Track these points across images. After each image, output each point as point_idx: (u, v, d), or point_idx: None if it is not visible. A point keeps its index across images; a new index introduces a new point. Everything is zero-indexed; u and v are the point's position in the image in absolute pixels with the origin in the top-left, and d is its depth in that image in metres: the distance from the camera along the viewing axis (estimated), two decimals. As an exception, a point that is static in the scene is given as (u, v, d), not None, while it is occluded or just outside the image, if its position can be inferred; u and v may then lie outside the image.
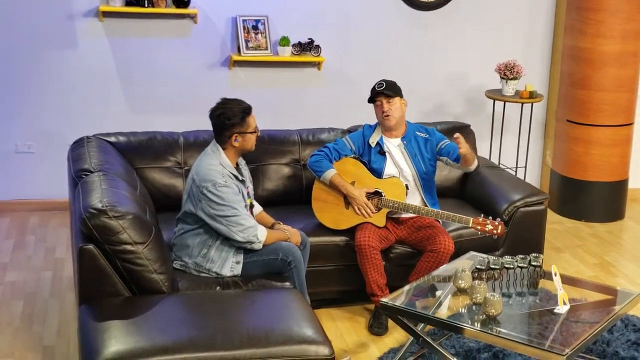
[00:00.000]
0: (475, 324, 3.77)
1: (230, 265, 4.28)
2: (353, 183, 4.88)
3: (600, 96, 6.45)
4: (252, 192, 4.51)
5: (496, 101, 6.61)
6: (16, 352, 4.37)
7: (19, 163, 6.33)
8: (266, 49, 6.35)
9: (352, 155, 4.98)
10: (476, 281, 3.94)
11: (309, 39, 6.42)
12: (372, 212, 4.79)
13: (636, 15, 6.33)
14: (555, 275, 3.93)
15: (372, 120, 5.02)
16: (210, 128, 4.36)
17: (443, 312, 3.99)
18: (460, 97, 6.92)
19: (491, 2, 6.78)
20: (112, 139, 5.01)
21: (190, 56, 6.36)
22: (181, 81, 6.39)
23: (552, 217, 6.48)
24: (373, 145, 4.92)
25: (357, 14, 6.58)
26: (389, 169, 4.89)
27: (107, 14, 6.13)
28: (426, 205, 4.87)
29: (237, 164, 4.39)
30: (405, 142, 4.93)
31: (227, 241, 4.27)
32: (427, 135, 4.97)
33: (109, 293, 3.75)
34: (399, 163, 4.90)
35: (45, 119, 6.28)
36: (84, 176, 4.28)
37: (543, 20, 6.93)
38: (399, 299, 4.02)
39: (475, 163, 4.98)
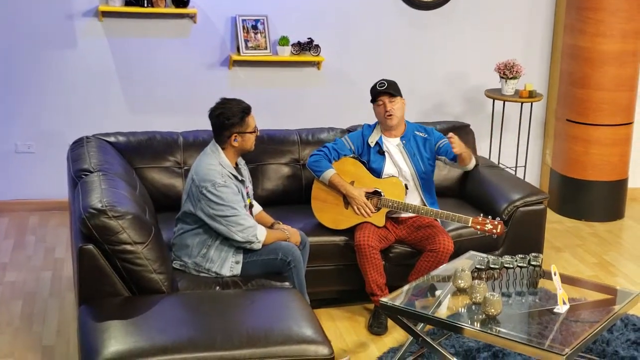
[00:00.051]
0: (475, 323, 3.77)
1: (229, 265, 4.28)
2: (352, 183, 4.88)
3: (599, 95, 6.45)
4: (251, 192, 4.51)
5: (496, 100, 6.61)
6: (16, 352, 4.37)
7: (18, 163, 6.33)
8: (265, 48, 6.35)
9: (352, 155, 4.98)
10: (476, 281, 3.94)
11: (308, 38, 6.42)
12: (372, 212, 4.79)
13: (636, 15, 6.33)
14: (555, 274, 3.93)
15: (372, 120, 5.03)
16: (210, 128, 4.36)
17: (442, 312, 3.99)
18: (460, 97, 6.92)
19: (491, 1, 6.78)
20: (112, 139, 5.01)
21: (190, 56, 6.36)
22: (181, 81, 6.39)
23: (551, 216, 6.48)
24: (372, 145, 4.92)
25: (357, 14, 6.58)
26: (388, 168, 4.89)
27: (106, 14, 6.13)
28: (425, 205, 4.87)
29: (236, 164, 4.39)
30: (404, 141, 4.93)
31: (227, 241, 4.27)
32: (426, 135, 4.97)
33: (109, 293, 3.75)
34: (398, 163, 4.90)
35: (45, 119, 6.28)
36: (83, 176, 4.28)
37: (543, 19, 6.93)
38: (398, 298, 4.02)
39: (473, 162, 4.97)
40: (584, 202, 6.65)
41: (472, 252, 4.54)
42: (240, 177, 4.35)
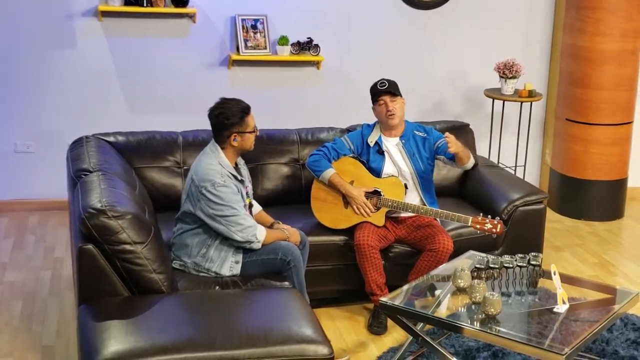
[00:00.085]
0: (475, 323, 3.77)
1: (229, 264, 4.28)
2: (352, 182, 4.88)
3: (599, 95, 6.45)
4: (251, 192, 4.51)
5: (495, 100, 6.61)
6: (15, 352, 4.37)
7: (18, 163, 6.33)
8: (265, 48, 6.35)
9: (351, 155, 4.98)
10: (475, 280, 3.94)
11: (307, 38, 6.42)
12: (371, 212, 4.79)
13: (635, 14, 6.33)
14: (555, 274, 3.93)
15: (371, 119, 5.02)
16: (209, 128, 4.36)
17: (442, 312, 3.99)
18: (460, 96, 6.92)
19: (490, 1, 6.78)
20: (111, 139, 5.01)
21: (189, 56, 6.36)
22: (180, 81, 6.39)
23: (551, 216, 6.48)
24: (372, 144, 4.92)
25: (356, 13, 6.58)
26: (388, 168, 4.89)
27: (106, 14, 6.13)
28: (425, 204, 4.87)
29: (236, 164, 4.39)
30: (403, 141, 4.93)
31: (226, 241, 4.27)
32: (425, 135, 4.97)
33: (108, 293, 3.75)
34: (397, 162, 4.90)
35: (45, 119, 6.28)
36: (83, 176, 4.28)
37: (542, 18, 6.93)
38: (398, 298, 4.02)
39: (472, 161, 4.97)
40: (584, 202, 6.65)
41: (471, 252, 4.54)
42: (239, 177, 4.35)
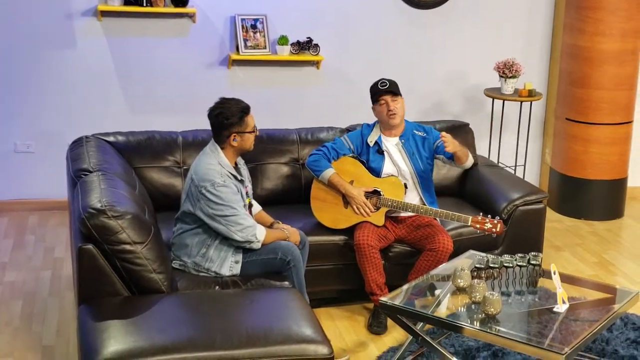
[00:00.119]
0: (475, 322, 3.77)
1: (229, 264, 4.28)
2: (352, 182, 4.88)
3: (599, 94, 6.45)
4: (250, 192, 4.51)
5: (495, 100, 6.61)
6: (15, 351, 4.37)
7: (18, 163, 6.33)
8: (265, 48, 6.35)
9: (351, 155, 4.98)
10: (475, 280, 3.94)
11: (307, 37, 6.42)
12: (371, 211, 4.79)
13: (635, 14, 6.33)
14: (555, 273, 3.93)
15: (371, 119, 5.02)
16: (209, 127, 4.36)
17: (442, 311, 3.99)
18: (459, 96, 6.92)
19: (490, 0, 6.77)
20: (111, 139, 5.01)
21: (189, 55, 6.36)
22: (180, 80, 6.39)
23: (551, 215, 6.48)
24: (371, 144, 4.92)
25: (356, 13, 6.58)
26: (388, 168, 4.89)
27: (105, 14, 6.13)
28: (425, 204, 4.87)
29: (235, 164, 4.39)
30: (403, 140, 4.93)
31: (226, 241, 4.27)
32: (424, 134, 4.97)
33: (108, 293, 3.75)
34: (397, 162, 4.90)
35: (45, 119, 6.28)
36: (82, 176, 4.28)
37: (542, 18, 6.93)
38: (398, 298, 4.02)
39: (470, 160, 4.97)
40: (584, 201, 6.65)
41: (471, 251, 4.54)
42: (239, 177, 4.35)
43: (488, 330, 3.70)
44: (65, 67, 6.21)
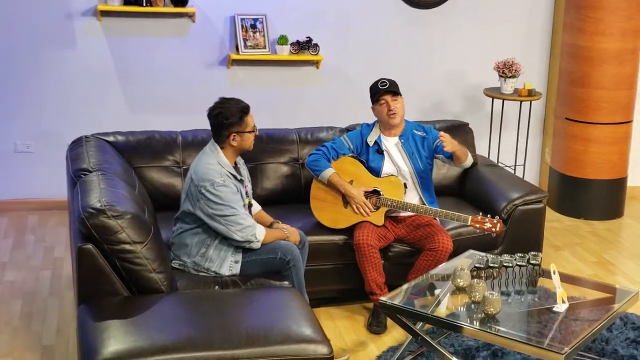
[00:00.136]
0: (474, 322, 3.77)
1: (228, 264, 4.28)
2: (351, 182, 4.88)
3: (599, 94, 6.45)
4: (250, 191, 4.51)
5: (495, 99, 6.61)
6: (15, 351, 4.37)
7: (17, 162, 6.33)
8: (264, 47, 6.35)
9: (350, 154, 4.98)
10: (475, 280, 3.94)
11: (307, 37, 6.42)
12: (371, 211, 4.79)
13: (635, 13, 6.33)
14: (554, 273, 3.93)
15: (371, 119, 5.02)
16: (209, 127, 4.36)
17: (442, 311, 3.99)
18: (459, 96, 6.92)
19: (490, 0, 6.78)
20: (111, 139, 5.01)
21: (189, 55, 6.36)
22: (179, 80, 6.39)
23: (551, 215, 6.48)
24: (371, 144, 4.92)
25: (355, 13, 6.58)
26: (387, 167, 4.89)
27: (105, 13, 6.13)
28: (424, 204, 4.87)
29: (235, 163, 4.39)
30: (402, 140, 4.93)
31: (226, 240, 4.27)
32: (424, 134, 4.97)
33: (108, 292, 3.75)
34: (396, 161, 4.90)
35: (44, 119, 6.28)
36: (82, 176, 4.28)
37: (542, 18, 6.93)
38: (397, 297, 4.02)
39: (470, 159, 4.97)
40: (583, 201, 6.65)
41: (471, 251, 4.54)
42: (239, 177, 4.35)
43: (488, 330, 3.70)
44: (65, 67, 6.21)
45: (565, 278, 4.17)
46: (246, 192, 4.42)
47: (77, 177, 4.31)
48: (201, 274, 4.27)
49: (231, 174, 4.29)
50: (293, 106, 6.60)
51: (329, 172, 4.86)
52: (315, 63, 6.54)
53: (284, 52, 6.37)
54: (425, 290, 4.26)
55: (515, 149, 6.77)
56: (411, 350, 4.31)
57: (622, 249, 6.12)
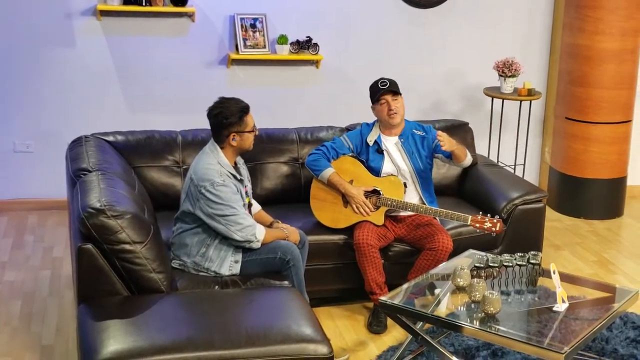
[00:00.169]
0: (474, 322, 3.77)
1: (228, 264, 4.28)
2: (351, 182, 4.88)
3: (598, 93, 6.45)
4: (250, 191, 4.51)
5: (494, 99, 6.61)
6: (14, 351, 4.37)
7: (17, 162, 6.33)
8: (264, 47, 6.35)
9: (350, 154, 4.98)
10: (475, 279, 3.94)
11: (307, 37, 6.41)
12: (371, 211, 4.79)
13: (635, 13, 6.33)
14: (554, 273, 3.93)
15: (370, 118, 5.02)
16: (209, 127, 4.35)
17: (442, 311, 3.99)
18: (459, 95, 6.92)
19: (489, -1, 6.79)
20: (110, 138, 5.01)
21: (188, 55, 6.36)
22: (179, 80, 6.39)
23: (550, 214, 6.48)
24: (371, 143, 4.92)
25: (355, 12, 6.57)
26: (387, 167, 4.89)
27: (104, 13, 6.13)
28: (424, 203, 4.86)
29: (235, 163, 4.38)
30: (402, 140, 4.93)
31: (226, 240, 4.26)
32: (423, 133, 4.97)
33: (108, 292, 3.75)
34: (396, 161, 4.90)
35: (44, 118, 6.28)
36: (82, 175, 4.27)
37: (541, 17, 6.93)
38: (397, 297, 4.02)
39: (469, 158, 4.97)
40: (583, 200, 6.65)
41: (471, 251, 4.54)
42: (239, 177, 4.35)
43: (488, 330, 3.70)
44: (65, 66, 6.20)
45: (565, 277, 4.17)
46: (246, 192, 4.41)
47: (76, 176, 4.31)
48: (201, 273, 4.27)
49: (231, 173, 4.28)
50: (293, 106, 6.60)
51: (328, 172, 4.86)
52: (315, 63, 6.54)
53: (284, 52, 6.37)
54: (425, 290, 4.26)
55: (515, 149, 6.77)
56: (411, 350, 4.31)
57: (622, 249, 6.12)
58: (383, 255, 4.80)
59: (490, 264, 4.19)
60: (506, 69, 6.37)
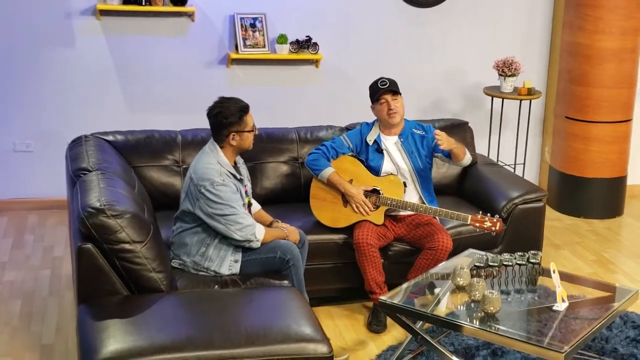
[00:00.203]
0: (474, 321, 3.77)
1: (228, 263, 4.28)
2: (351, 181, 4.88)
3: (598, 93, 6.45)
4: (250, 191, 4.51)
5: (494, 98, 6.61)
6: (14, 351, 4.37)
7: (17, 162, 6.33)
8: (264, 46, 6.35)
9: (350, 153, 4.98)
10: (475, 278, 3.94)
11: (306, 36, 6.41)
12: (370, 210, 4.79)
13: (635, 12, 6.33)
14: (554, 272, 3.93)
15: (370, 118, 5.02)
16: (208, 126, 4.35)
17: (441, 310, 3.99)
18: (459, 94, 6.92)
19: (489, -2, 6.79)
20: (110, 138, 5.01)
21: (188, 54, 6.35)
22: (179, 79, 6.39)
23: (550, 214, 6.48)
24: (370, 143, 4.92)
25: (355, 11, 6.57)
26: (387, 166, 4.89)
27: (104, 13, 6.13)
28: (424, 203, 4.86)
29: (235, 163, 4.38)
30: (402, 139, 4.93)
31: (226, 240, 4.26)
32: (423, 133, 4.97)
33: (108, 292, 3.75)
34: (396, 160, 4.90)
35: (44, 118, 6.28)
36: (82, 175, 4.28)
37: (541, 16, 6.93)
38: (397, 296, 4.02)
39: (468, 157, 4.97)
40: (583, 200, 6.65)
41: (471, 250, 4.54)
42: (238, 176, 4.35)
43: (487, 329, 3.70)
44: (64, 66, 6.20)
45: (565, 277, 4.17)
46: (246, 192, 4.41)
47: (76, 176, 4.31)
48: (201, 273, 4.27)
49: (231, 173, 4.28)
50: (292, 105, 6.60)
51: (328, 171, 4.86)
52: (315, 62, 6.54)
53: (284, 51, 6.37)
54: (425, 289, 4.26)
55: (515, 148, 6.77)
56: (411, 349, 4.31)
57: (622, 248, 6.12)
58: (383, 254, 4.80)
59: (490, 264, 4.19)
60: (506, 68, 6.37)
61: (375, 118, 4.97)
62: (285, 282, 4.25)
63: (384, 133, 4.94)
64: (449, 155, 4.88)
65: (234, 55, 6.31)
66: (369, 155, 4.92)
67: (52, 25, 6.11)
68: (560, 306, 3.88)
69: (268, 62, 6.47)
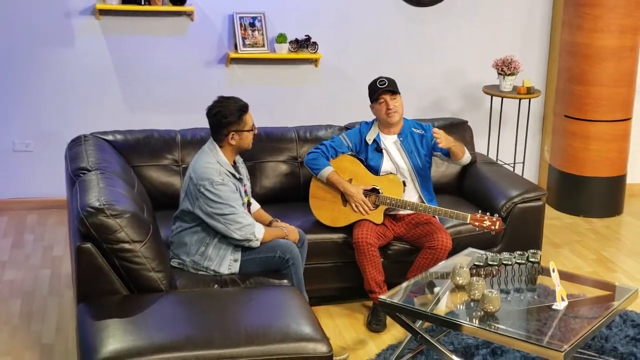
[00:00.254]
0: (474, 320, 3.77)
1: (228, 263, 4.28)
2: (350, 180, 4.88)
3: (598, 91, 6.45)
4: (249, 190, 4.51)
5: (494, 97, 6.61)
6: (14, 350, 4.37)
7: (16, 162, 6.33)
8: (263, 46, 6.35)
9: (349, 153, 4.98)
10: (474, 278, 3.94)
11: (305, 35, 6.41)
12: (370, 209, 4.79)
13: (634, 11, 6.33)
14: (554, 271, 3.93)
15: (369, 117, 5.02)
16: (208, 126, 4.35)
17: (441, 309, 3.99)
18: (458, 93, 6.92)
19: (488, -2, 6.79)
20: (110, 137, 5.01)
21: (187, 54, 6.35)
22: (178, 79, 6.39)
23: (550, 212, 6.48)
24: (370, 142, 4.92)
25: (354, 11, 6.57)
26: (386, 165, 4.89)
27: (103, 12, 6.13)
28: (423, 202, 4.87)
29: (234, 162, 4.38)
30: (401, 138, 4.93)
31: (225, 239, 4.26)
32: (422, 132, 4.97)
33: (107, 291, 3.75)
34: (395, 160, 4.90)
35: (43, 118, 6.28)
36: (81, 175, 4.28)
37: (540, 15, 6.93)
38: (397, 295, 4.02)
39: (467, 155, 4.97)
40: (583, 198, 6.65)
41: (470, 249, 4.54)
42: (238, 175, 4.35)
43: (487, 328, 3.70)
44: (64, 65, 6.20)
45: (565, 276, 4.17)
46: (245, 191, 4.42)
47: (76, 176, 4.31)
48: (200, 272, 4.27)
49: (230, 172, 4.28)
50: (292, 104, 6.60)
51: (327, 171, 4.86)
52: (314, 61, 6.54)
53: (283, 51, 6.37)
54: (425, 289, 4.26)
55: (515, 147, 6.77)
56: (410, 349, 4.31)
57: (622, 247, 6.12)
58: (382, 253, 4.80)
59: (490, 263, 4.19)
60: (505, 67, 6.37)
61: (374, 117, 4.97)
62: (285, 281, 4.25)
63: (383, 132, 4.94)
64: (447, 154, 4.88)
65: (233, 55, 6.31)
66: (368, 155, 4.92)
67: (52, 25, 6.11)
68: (560, 305, 3.88)
69: (267, 61, 6.47)
